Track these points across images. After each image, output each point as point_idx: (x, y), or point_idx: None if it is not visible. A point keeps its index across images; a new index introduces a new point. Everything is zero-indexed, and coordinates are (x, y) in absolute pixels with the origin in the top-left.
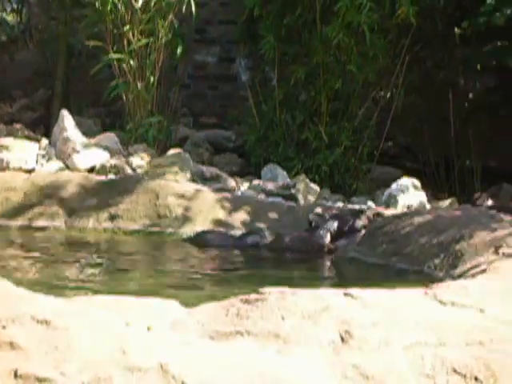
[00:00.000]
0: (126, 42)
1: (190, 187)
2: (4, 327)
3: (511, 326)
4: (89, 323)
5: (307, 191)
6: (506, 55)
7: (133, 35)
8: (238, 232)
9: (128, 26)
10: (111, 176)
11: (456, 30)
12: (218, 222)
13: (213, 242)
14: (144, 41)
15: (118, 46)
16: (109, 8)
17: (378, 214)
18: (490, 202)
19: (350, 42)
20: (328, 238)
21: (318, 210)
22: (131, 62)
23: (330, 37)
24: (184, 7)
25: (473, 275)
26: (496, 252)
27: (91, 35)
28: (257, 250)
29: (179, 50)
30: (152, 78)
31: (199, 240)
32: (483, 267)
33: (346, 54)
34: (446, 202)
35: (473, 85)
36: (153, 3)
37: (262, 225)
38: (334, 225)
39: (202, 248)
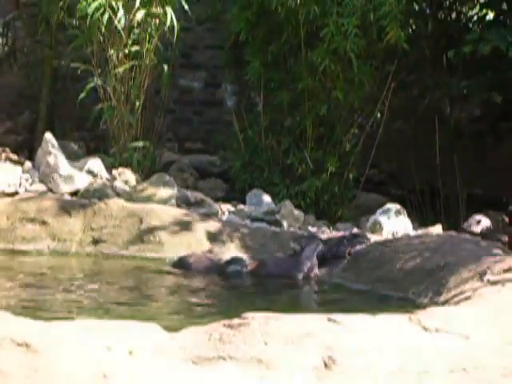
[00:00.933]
0: (111, 66)
1: (175, 212)
2: None
3: (495, 354)
4: (69, 347)
5: (292, 217)
6: (475, 91)
7: (118, 58)
8: (222, 257)
9: (112, 50)
10: (95, 200)
11: (443, 57)
12: (202, 247)
13: (196, 267)
14: (128, 64)
15: (103, 70)
16: (96, 30)
17: (363, 237)
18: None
19: (335, 68)
20: (309, 265)
21: (300, 237)
22: (116, 86)
23: (315, 62)
24: (168, 31)
25: (457, 302)
26: (481, 279)
27: (77, 58)
28: (238, 277)
29: (165, 75)
30: (137, 102)
31: (183, 265)
32: (468, 294)
33: (331, 79)
34: (431, 229)
35: (458, 112)
36: (136, 24)
37: (238, 251)
38: (318, 249)
39: (185, 273)
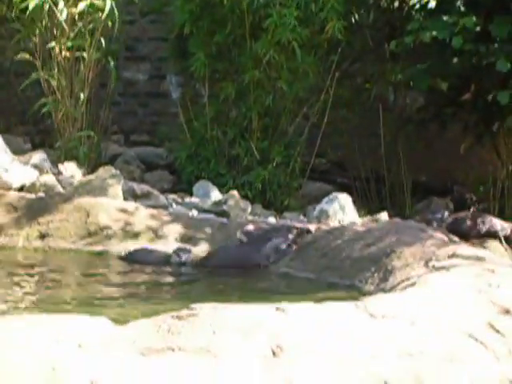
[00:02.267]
0: (54, 59)
1: (121, 205)
2: None
3: (440, 339)
4: (17, 340)
5: (239, 207)
6: (419, 79)
7: (60, 51)
8: (169, 249)
9: (54, 42)
10: (41, 194)
11: (386, 46)
12: (149, 239)
13: (144, 260)
14: (71, 57)
15: (46, 63)
16: (38, 23)
17: (308, 231)
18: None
19: (279, 59)
20: (275, 255)
21: (249, 227)
22: (60, 79)
23: (259, 53)
24: (111, 23)
25: (403, 288)
26: (426, 265)
27: (20, 52)
28: (187, 267)
29: (112, 67)
30: (81, 96)
31: (131, 258)
32: (413, 280)
33: (276, 70)
34: (377, 217)
35: (402, 100)
36: (77, 17)
37: (185, 242)
38: (279, 241)
39: (133, 265)
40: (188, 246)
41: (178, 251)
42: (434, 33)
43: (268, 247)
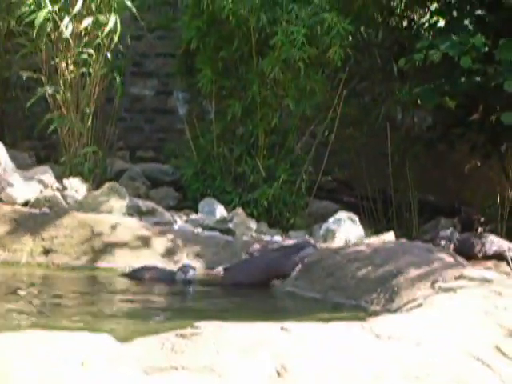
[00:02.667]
0: (60, 74)
1: (126, 221)
2: None
3: (447, 360)
4: (20, 358)
5: (244, 225)
6: (428, 97)
7: (66, 66)
8: (174, 266)
9: (59, 58)
10: (45, 210)
11: (394, 65)
12: (154, 256)
13: (149, 277)
14: (77, 72)
15: (52, 78)
16: (44, 38)
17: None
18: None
19: (286, 77)
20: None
21: (256, 246)
22: (66, 95)
23: (265, 71)
24: (118, 39)
25: (409, 309)
26: (432, 286)
27: (26, 67)
28: (192, 285)
29: (118, 83)
30: (87, 111)
31: (136, 275)
32: (420, 301)
33: (282, 88)
34: (384, 236)
35: (410, 119)
36: (83, 32)
37: (191, 260)
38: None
39: (137, 282)
40: (193, 264)
41: (183, 268)
42: (444, 51)
43: (299, 256)
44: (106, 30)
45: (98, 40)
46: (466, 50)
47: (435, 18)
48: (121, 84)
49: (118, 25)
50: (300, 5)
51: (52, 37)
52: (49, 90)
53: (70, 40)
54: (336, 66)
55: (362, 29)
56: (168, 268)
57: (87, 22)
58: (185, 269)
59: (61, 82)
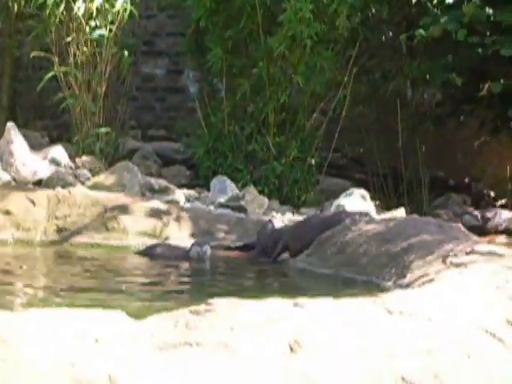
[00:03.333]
0: (71, 54)
1: (139, 200)
2: None
3: (458, 335)
4: (36, 335)
5: (256, 203)
6: (435, 73)
7: (77, 46)
8: (187, 243)
9: (71, 37)
10: (58, 189)
11: (402, 41)
12: (166, 234)
13: (163, 254)
14: (87, 52)
15: (63, 58)
16: (55, 19)
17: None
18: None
19: (294, 54)
20: None
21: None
22: (77, 74)
23: (274, 48)
24: (128, 18)
25: (421, 285)
26: (444, 261)
27: (37, 47)
28: (202, 260)
29: (125, 60)
30: (99, 90)
31: (149, 252)
32: (431, 277)
33: (291, 65)
34: (394, 213)
35: (420, 96)
36: (95, 12)
37: (202, 237)
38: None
39: (152, 260)
40: (206, 240)
41: (197, 245)
42: (443, 26)
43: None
44: (116, 9)
45: (109, 19)
46: (466, 22)
47: None
48: (129, 61)
49: (129, 4)
50: None
51: (63, 17)
52: (60, 70)
53: (82, 20)
54: (344, 38)
55: (370, 4)
56: (181, 245)
57: (99, 1)
58: (199, 245)
59: (72, 61)
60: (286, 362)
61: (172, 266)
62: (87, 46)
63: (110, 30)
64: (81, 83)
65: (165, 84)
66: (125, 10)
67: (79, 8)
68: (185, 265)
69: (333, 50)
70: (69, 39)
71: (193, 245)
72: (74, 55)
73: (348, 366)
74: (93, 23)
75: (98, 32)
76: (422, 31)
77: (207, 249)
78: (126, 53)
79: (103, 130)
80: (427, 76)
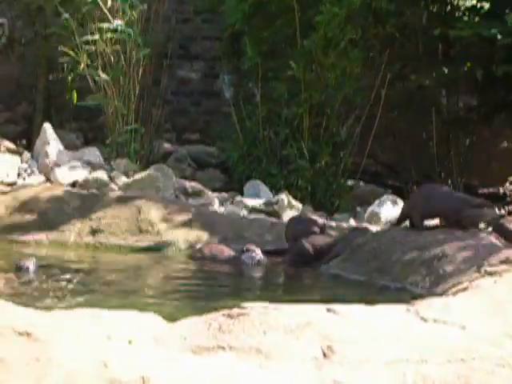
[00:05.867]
0: (98, 55)
1: (173, 202)
2: None
3: (492, 344)
4: (70, 336)
5: (290, 208)
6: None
7: (105, 47)
8: (236, 247)
9: (95, 36)
10: (93, 190)
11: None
12: (201, 238)
13: (213, 257)
14: (113, 52)
15: (92, 60)
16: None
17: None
18: None
19: (329, 58)
20: None
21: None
22: (103, 76)
23: (309, 52)
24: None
25: (455, 293)
26: (478, 270)
27: (68, 48)
28: (252, 265)
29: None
30: (130, 92)
31: (198, 255)
32: (465, 285)
33: (326, 69)
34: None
35: (455, 104)
36: (121, 12)
37: (235, 241)
38: None
39: (201, 263)
40: (253, 247)
41: (249, 250)
42: (477, 31)
43: None
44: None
45: (138, 22)
46: (504, 30)
47: (479, 4)
48: (167, 66)
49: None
50: None
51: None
52: (91, 72)
53: (110, 16)
54: (380, 44)
55: (405, 11)
56: (230, 248)
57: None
58: (251, 250)
59: (98, 62)
60: (318, 368)
61: (221, 268)
62: (112, 46)
63: (139, 33)
64: (110, 84)
65: (200, 88)
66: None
67: (105, 4)
68: (234, 267)
69: (368, 55)
70: (93, 37)
71: (245, 250)
72: (101, 55)
73: (380, 373)
74: (117, 22)
75: (116, 24)
76: (454, 32)
77: (259, 254)
78: (145, 50)
79: (131, 127)
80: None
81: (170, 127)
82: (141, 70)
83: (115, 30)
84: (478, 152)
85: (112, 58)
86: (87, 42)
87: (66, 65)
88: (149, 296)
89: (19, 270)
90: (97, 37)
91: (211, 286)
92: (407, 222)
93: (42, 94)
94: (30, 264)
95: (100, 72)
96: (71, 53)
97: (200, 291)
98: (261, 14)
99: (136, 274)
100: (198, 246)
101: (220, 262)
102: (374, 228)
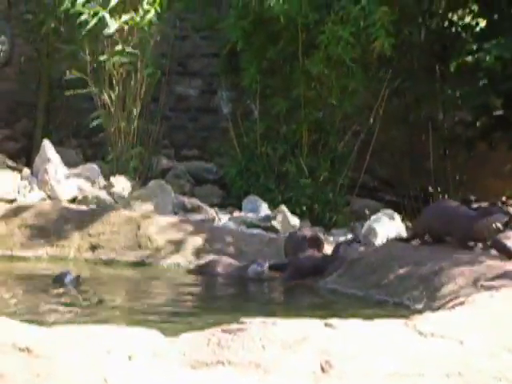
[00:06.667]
0: (105, 73)
1: (171, 218)
2: None
3: (489, 357)
4: (70, 351)
5: (287, 223)
6: (469, 96)
7: (113, 66)
8: (240, 261)
9: (106, 56)
10: (92, 207)
11: (437, 66)
12: (199, 253)
13: (218, 272)
14: (121, 71)
15: (98, 77)
16: (89, 38)
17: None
18: None
19: (330, 76)
20: None
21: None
22: (112, 94)
23: (311, 70)
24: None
25: (452, 307)
26: (474, 284)
27: (71, 66)
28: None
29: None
30: (134, 110)
31: (205, 270)
32: (462, 299)
33: (326, 87)
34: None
35: (452, 119)
36: (128, 32)
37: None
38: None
39: (207, 278)
40: (259, 260)
41: (255, 264)
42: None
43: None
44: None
45: (144, 40)
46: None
47: (476, 20)
48: (156, 79)
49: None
50: (348, 4)
51: (98, 37)
52: (94, 90)
53: (117, 36)
54: (378, 61)
55: (403, 28)
56: (235, 262)
57: (126, 17)
58: (258, 264)
59: (106, 81)
60: (317, 382)
61: (227, 282)
62: (121, 65)
63: (145, 51)
64: (115, 102)
65: (198, 104)
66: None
67: (109, 28)
68: (240, 281)
69: (366, 72)
70: (104, 57)
71: (251, 263)
72: (109, 75)
73: None
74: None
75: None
76: (471, 58)
77: (265, 268)
78: (158, 72)
79: (137, 150)
80: (459, 100)
81: (168, 143)
82: (144, 88)
83: (126, 53)
84: (475, 167)
85: (118, 77)
86: (97, 61)
87: (64, 82)
88: (149, 312)
89: (57, 281)
90: (105, 57)
91: (212, 300)
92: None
93: (42, 111)
94: (68, 276)
95: (108, 91)
96: (76, 73)
97: (202, 306)
98: (261, 31)
99: (137, 289)
100: (203, 260)
101: (225, 276)
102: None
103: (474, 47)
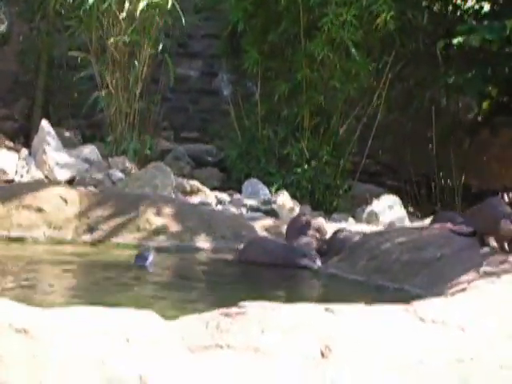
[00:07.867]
0: (109, 54)
1: (171, 200)
2: None
3: (490, 345)
4: (67, 333)
5: (288, 207)
6: (470, 85)
7: (116, 46)
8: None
9: (112, 39)
10: (91, 188)
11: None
12: (200, 236)
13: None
14: (126, 52)
15: (101, 58)
16: (94, 19)
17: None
18: None
19: (333, 58)
20: None
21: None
22: (115, 74)
23: (313, 52)
24: (170, 19)
25: (453, 293)
26: (476, 271)
27: (73, 46)
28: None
29: (170, 67)
30: (135, 91)
31: (243, 255)
32: (463, 286)
33: (329, 70)
34: (427, 220)
35: (455, 105)
36: (137, 14)
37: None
38: None
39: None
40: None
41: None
42: (483, 36)
43: None
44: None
45: (150, 21)
46: (506, 35)
47: (479, 4)
48: (173, 69)
49: (177, 6)
50: None
51: (103, 18)
52: (97, 69)
53: (122, 22)
54: (380, 45)
55: (406, 11)
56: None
57: (143, 4)
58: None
59: (110, 61)
60: (316, 367)
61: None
62: (126, 46)
63: (150, 32)
64: (118, 83)
65: (198, 86)
66: (170, 11)
67: (124, 10)
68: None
69: (368, 55)
70: (111, 40)
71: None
72: (112, 55)
73: (378, 373)
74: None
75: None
76: (459, 39)
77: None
78: (168, 57)
79: (137, 131)
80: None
81: (168, 125)
82: (145, 69)
83: (130, 32)
84: (478, 153)
85: (121, 56)
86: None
87: (64, 62)
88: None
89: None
90: (112, 40)
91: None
92: (407, 223)
93: (41, 91)
94: (150, 255)
95: (113, 71)
96: (80, 53)
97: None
98: (263, 13)
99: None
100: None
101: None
102: (372, 228)
103: (466, 28)
